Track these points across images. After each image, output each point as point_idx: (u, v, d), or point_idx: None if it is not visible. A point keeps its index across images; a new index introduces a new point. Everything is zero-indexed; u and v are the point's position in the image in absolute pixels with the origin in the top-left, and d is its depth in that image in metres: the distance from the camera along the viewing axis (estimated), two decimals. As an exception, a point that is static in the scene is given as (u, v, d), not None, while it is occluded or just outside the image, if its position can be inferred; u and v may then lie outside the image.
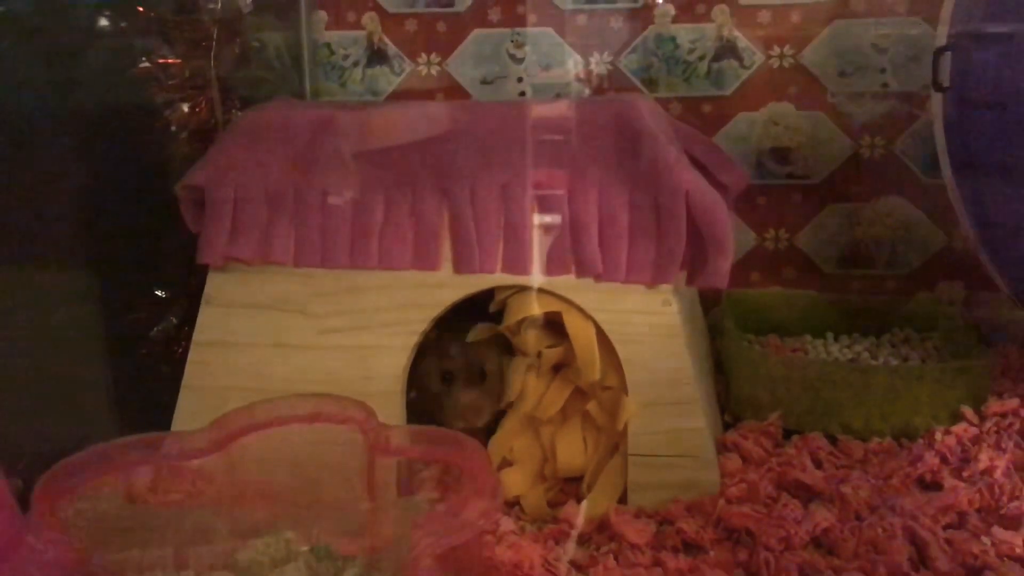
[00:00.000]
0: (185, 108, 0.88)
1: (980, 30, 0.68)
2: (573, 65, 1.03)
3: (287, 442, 0.50)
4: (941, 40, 0.74)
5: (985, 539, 0.60)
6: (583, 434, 0.73)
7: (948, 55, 0.72)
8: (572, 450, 0.72)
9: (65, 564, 0.39)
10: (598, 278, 0.69)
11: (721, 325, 0.92)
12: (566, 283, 0.70)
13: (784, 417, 0.79)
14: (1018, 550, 0.59)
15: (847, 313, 0.98)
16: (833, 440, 0.77)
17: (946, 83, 0.72)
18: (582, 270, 0.69)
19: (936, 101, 0.75)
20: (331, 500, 0.50)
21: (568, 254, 0.70)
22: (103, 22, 0.88)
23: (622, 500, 0.69)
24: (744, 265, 1.04)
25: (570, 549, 0.62)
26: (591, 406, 0.72)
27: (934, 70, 0.73)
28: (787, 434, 0.79)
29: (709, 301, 0.96)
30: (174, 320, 0.88)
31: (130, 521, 0.51)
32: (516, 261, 0.70)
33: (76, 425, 0.83)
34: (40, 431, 0.78)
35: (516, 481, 0.72)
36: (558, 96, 1.03)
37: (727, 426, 0.82)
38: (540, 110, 0.73)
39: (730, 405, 0.84)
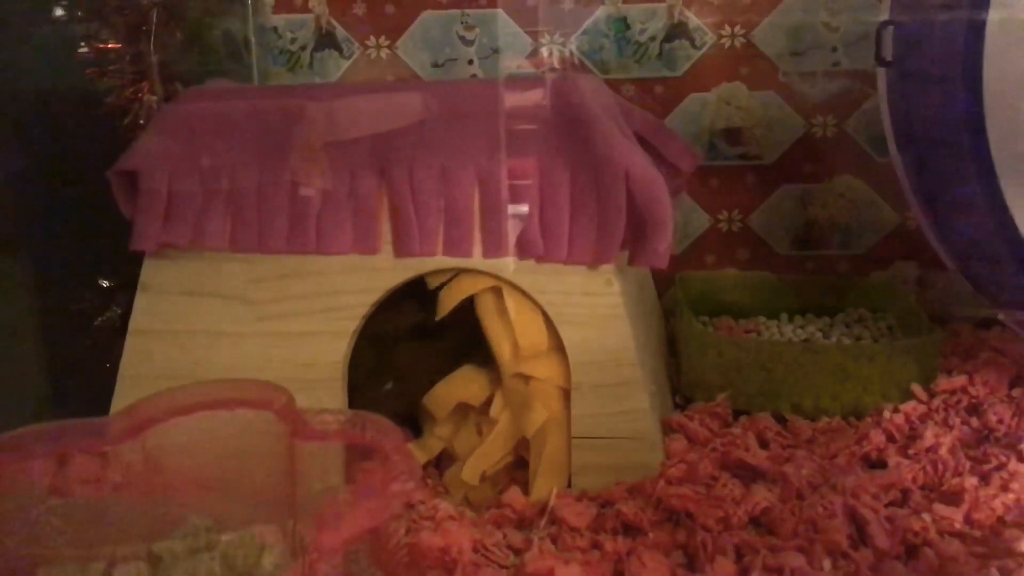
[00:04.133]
0: (126, 94, 0.86)
1: (922, 2, 0.68)
2: (524, 47, 1.02)
3: (207, 429, 0.49)
4: (885, 14, 0.73)
5: (926, 515, 0.59)
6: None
7: (891, 29, 0.71)
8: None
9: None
10: (539, 259, 0.68)
11: (674, 307, 0.91)
12: (506, 264, 0.69)
13: (735, 398, 0.79)
14: (958, 526, 0.59)
15: (801, 294, 0.98)
16: (782, 420, 0.77)
17: (889, 58, 0.71)
18: (523, 251, 0.69)
19: (881, 76, 0.74)
20: (251, 487, 0.49)
21: (509, 235, 0.69)
22: (42, 5, 0.87)
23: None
24: (698, 247, 1.03)
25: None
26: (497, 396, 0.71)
27: (877, 45, 0.72)
28: (738, 415, 0.78)
29: (664, 283, 0.96)
30: (118, 310, 0.86)
31: (47, 513, 0.49)
32: (457, 243, 0.69)
33: (18, 418, 0.81)
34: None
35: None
36: (510, 78, 1.02)
37: (678, 408, 0.81)
38: (480, 90, 0.72)
39: (682, 387, 0.84)
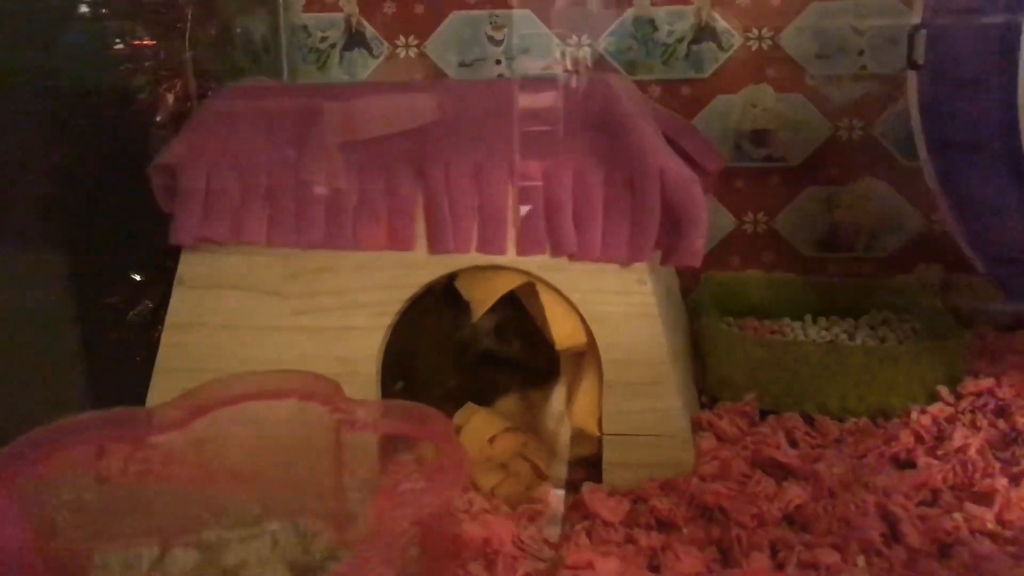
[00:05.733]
0: (160, 90, 0.87)
1: (955, 6, 0.68)
2: (552, 47, 1.03)
3: (255, 418, 0.49)
4: (917, 18, 0.74)
5: (957, 515, 0.60)
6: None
7: (923, 33, 0.72)
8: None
9: (18, 543, 0.39)
10: (572, 257, 0.69)
11: (699, 307, 0.92)
12: (541, 262, 0.69)
13: (761, 398, 0.79)
14: (989, 525, 0.60)
15: (825, 296, 0.98)
16: (809, 420, 0.77)
17: (921, 61, 0.72)
18: (557, 249, 0.69)
19: (911, 80, 0.75)
20: (299, 476, 0.49)
21: (543, 233, 0.69)
22: (77, 2, 0.87)
23: (597, 479, 0.69)
24: (723, 248, 1.04)
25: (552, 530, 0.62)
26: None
27: (909, 48, 0.73)
28: (764, 415, 0.79)
29: (688, 283, 0.96)
30: (150, 304, 0.87)
31: (98, 500, 0.50)
32: (491, 240, 0.70)
33: (52, 411, 0.82)
34: (15, 417, 0.78)
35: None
36: (537, 78, 1.03)
37: (704, 407, 0.82)
38: (515, 89, 0.72)
39: (707, 386, 0.84)
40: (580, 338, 0.69)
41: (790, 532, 0.59)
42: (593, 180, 0.69)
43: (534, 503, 0.67)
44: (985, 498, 0.62)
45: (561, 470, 0.72)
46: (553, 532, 0.62)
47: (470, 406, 0.75)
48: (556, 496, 0.68)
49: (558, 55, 1.02)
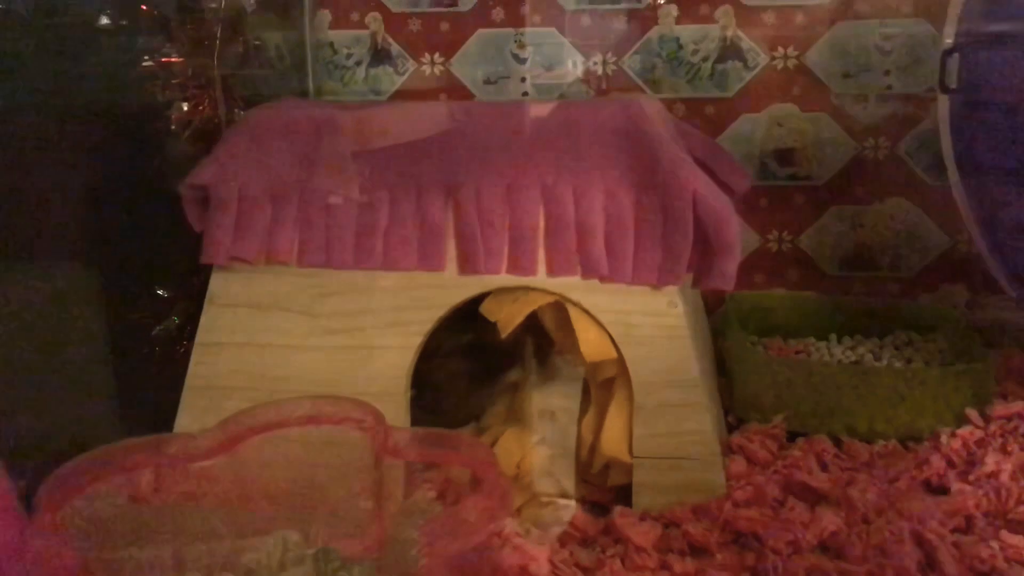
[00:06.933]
0: (188, 107, 0.87)
1: (989, 31, 0.68)
2: (576, 66, 1.03)
3: (292, 443, 0.49)
4: (948, 41, 0.74)
5: (993, 543, 0.60)
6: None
7: (955, 57, 0.72)
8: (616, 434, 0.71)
9: (69, 567, 0.39)
10: (603, 279, 0.69)
11: (724, 327, 0.91)
12: (571, 284, 0.69)
13: (788, 419, 0.79)
14: (1025, 554, 0.59)
15: (850, 315, 0.98)
16: (838, 442, 0.77)
17: (953, 85, 0.72)
18: (588, 271, 0.69)
19: (942, 103, 0.75)
20: (335, 502, 0.49)
21: (574, 255, 0.69)
22: (106, 20, 0.88)
23: (627, 502, 0.68)
24: (747, 267, 1.03)
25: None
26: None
27: (941, 72, 0.73)
28: (791, 436, 0.78)
29: (712, 303, 0.96)
30: (176, 320, 0.88)
31: (134, 522, 0.50)
32: (522, 262, 0.70)
33: (80, 425, 0.82)
34: (43, 431, 0.78)
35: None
36: (562, 97, 1.03)
37: (731, 428, 0.81)
38: (546, 110, 0.72)
39: (734, 407, 0.84)
40: (610, 352, 0.69)
41: (825, 559, 0.58)
42: (625, 202, 0.69)
43: (563, 525, 0.66)
44: (1020, 526, 0.62)
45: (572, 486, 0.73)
46: (584, 556, 0.61)
47: (498, 422, 0.75)
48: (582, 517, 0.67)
49: (582, 73, 1.03)
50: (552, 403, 0.76)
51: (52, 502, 0.43)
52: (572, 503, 0.71)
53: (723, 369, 0.89)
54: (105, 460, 0.46)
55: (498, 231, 0.70)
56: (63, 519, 0.46)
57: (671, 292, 0.69)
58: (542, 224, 0.70)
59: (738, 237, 0.66)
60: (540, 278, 0.70)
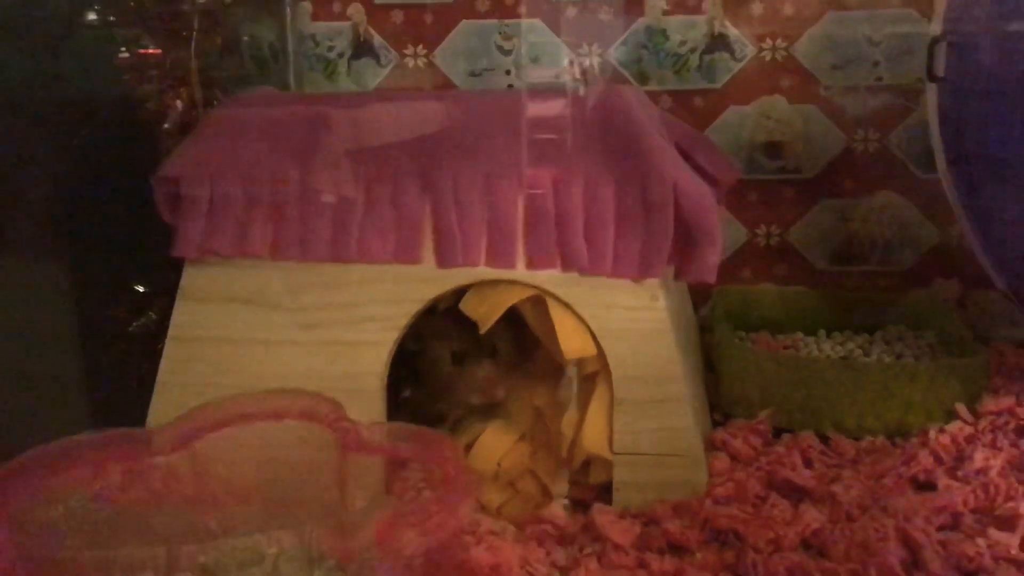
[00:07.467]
0: (166, 100, 0.86)
1: (977, 18, 0.67)
2: (562, 58, 1.01)
3: (256, 439, 0.48)
4: (936, 28, 0.72)
5: (980, 541, 0.58)
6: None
7: (943, 45, 0.70)
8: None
9: (11, 566, 0.37)
10: (583, 272, 0.67)
11: (711, 322, 0.90)
12: (551, 277, 0.68)
13: (775, 416, 0.78)
14: (1014, 552, 0.58)
15: (840, 310, 0.97)
16: (825, 439, 0.76)
17: (940, 74, 0.70)
18: (568, 264, 0.68)
19: (931, 92, 0.73)
20: (301, 499, 0.48)
21: (553, 247, 0.68)
22: (83, 11, 0.87)
23: (609, 500, 0.67)
24: (735, 261, 1.02)
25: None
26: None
27: (929, 60, 0.71)
28: (778, 433, 0.77)
29: (699, 297, 0.95)
30: (153, 316, 0.86)
31: (93, 522, 0.49)
32: (500, 254, 0.68)
33: (53, 423, 0.81)
34: (16, 429, 0.77)
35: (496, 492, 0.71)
36: (547, 87, 1.02)
37: (716, 424, 0.80)
38: (525, 99, 0.71)
39: (720, 403, 0.82)
40: (589, 349, 0.68)
41: (807, 557, 0.57)
42: (605, 193, 0.67)
43: (541, 523, 0.65)
44: (1008, 523, 0.60)
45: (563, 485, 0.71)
46: (561, 555, 0.60)
47: (479, 420, 0.73)
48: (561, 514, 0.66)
49: (568, 64, 1.01)
50: (534, 399, 0.75)
51: (1, 496, 0.41)
52: (553, 501, 0.70)
53: (710, 365, 0.88)
54: (58, 455, 0.44)
55: (476, 222, 0.68)
56: (18, 517, 0.45)
57: (653, 286, 0.67)
58: (521, 215, 0.68)
59: (719, 228, 0.65)
60: (519, 271, 0.68)
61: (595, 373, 0.69)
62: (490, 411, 0.75)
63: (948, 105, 0.72)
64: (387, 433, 0.46)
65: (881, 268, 1.01)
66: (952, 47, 0.70)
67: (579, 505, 0.69)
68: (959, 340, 0.85)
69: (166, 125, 0.86)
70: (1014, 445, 0.72)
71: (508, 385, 0.74)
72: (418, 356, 0.75)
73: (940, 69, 0.70)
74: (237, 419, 0.47)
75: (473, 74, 1.03)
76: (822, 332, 0.96)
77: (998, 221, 0.71)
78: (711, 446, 0.72)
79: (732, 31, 0.98)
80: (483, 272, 0.69)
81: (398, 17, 1.02)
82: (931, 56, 0.71)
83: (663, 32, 0.99)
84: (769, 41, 0.98)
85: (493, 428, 0.73)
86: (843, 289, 1.01)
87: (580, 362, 0.69)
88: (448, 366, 0.73)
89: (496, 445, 0.72)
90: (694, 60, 0.99)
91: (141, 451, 0.46)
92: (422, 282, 0.69)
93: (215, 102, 0.86)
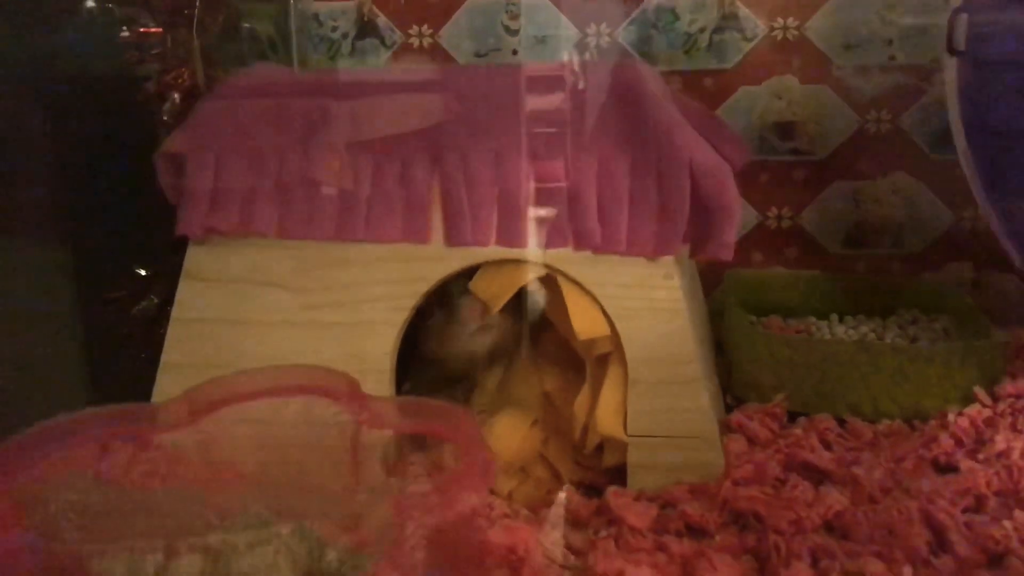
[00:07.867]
0: (167, 79, 0.85)
1: (998, -10, 0.65)
2: (570, 37, 1.00)
3: (266, 416, 0.46)
4: (956, 2, 0.71)
5: (1006, 523, 0.57)
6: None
7: (964, 17, 0.68)
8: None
9: (17, 546, 0.36)
10: (597, 250, 0.66)
11: (722, 306, 0.89)
12: (563, 256, 0.66)
13: (789, 399, 0.76)
14: (1040, 533, 0.56)
15: (852, 294, 0.95)
16: (841, 422, 0.74)
17: (961, 47, 0.69)
18: (580, 242, 0.66)
19: (950, 66, 0.71)
20: (312, 478, 0.46)
21: (565, 225, 0.66)
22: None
23: (622, 482, 0.66)
24: (746, 244, 1.00)
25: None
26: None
27: (949, 33, 0.69)
28: (791, 417, 0.76)
29: (709, 281, 0.93)
30: (155, 299, 0.85)
31: (100, 502, 0.47)
32: (511, 233, 0.67)
33: (55, 407, 0.79)
34: (18, 413, 0.75)
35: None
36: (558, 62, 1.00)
37: (729, 408, 0.79)
38: (535, 73, 0.69)
39: (732, 387, 0.81)
40: (603, 329, 0.66)
41: (830, 540, 0.55)
42: (619, 169, 0.66)
43: (555, 507, 0.64)
44: (1033, 504, 0.59)
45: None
46: (576, 538, 0.58)
47: (494, 404, 0.72)
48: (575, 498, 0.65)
49: (575, 45, 0.99)
50: (544, 384, 0.73)
51: (3, 474, 0.40)
52: (566, 485, 0.68)
53: (721, 349, 0.86)
54: (58, 433, 0.43)
55: (486, 200, 0.67)
56: (20, 498, 0.43)
57: (667, 264, 0.66)
58: (532, 193, 0.67)
59: (738, 204, 0.63)
60: (530, 250, 0.67)
61: (606, 355, 0.68)
62: (501, 398, 0.74)
63: (968, 78, 0.70)
64: (402, 408, 0.45)
65: (894, 251, 0.99)
66: (973, 18, 0.68)
67: (587, 489, 0.67)
68: (974, 324, 0.84)
69: (167, 105, 0.84)
70: (1034, 427, 0.70)
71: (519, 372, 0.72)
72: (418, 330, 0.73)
73: (961, 42, 0.69)
74: (245, 395, 0.45)
75: (479, 54, 1.01)
76: (834, 316, 0.94)
77: (1019, 196, 0.69)
78: (726, 429, 0.70)
79: (743, 10, 0.96)
80: (494, 251, 0.67)
81: (403, -4, 1.00)
82: (951, 29, 0.69)
83: (672, 11, 0.98)
84: (780, 20, 0.96)
85: (505, 414, 0.71)
86: (855, 272, 1.00)
87: (590, 344, 0.68)
88: (439, 317, 0.72)
89: (509, 432, 0.70)
90: (704, 40, 0.98)
91: (146, 428, 0.45)
92: (431, 261, 0.68)
93: (217, 82, 0.84)
